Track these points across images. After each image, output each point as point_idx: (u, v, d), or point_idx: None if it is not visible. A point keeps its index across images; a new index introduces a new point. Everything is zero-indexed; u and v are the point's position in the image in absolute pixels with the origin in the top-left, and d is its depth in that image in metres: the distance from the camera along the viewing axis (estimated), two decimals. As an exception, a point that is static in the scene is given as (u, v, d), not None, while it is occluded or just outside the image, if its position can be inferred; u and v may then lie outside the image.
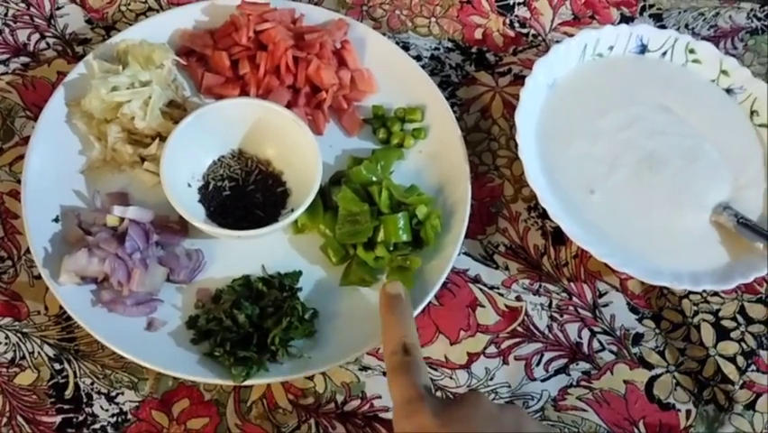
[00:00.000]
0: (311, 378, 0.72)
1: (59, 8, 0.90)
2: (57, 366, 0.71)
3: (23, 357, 0.71)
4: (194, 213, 0.73)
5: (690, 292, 0.80)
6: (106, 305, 0.70)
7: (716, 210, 0.79)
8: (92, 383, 0.71)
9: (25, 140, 0.79)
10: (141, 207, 0.74)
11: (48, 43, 0.87)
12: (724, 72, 0.87)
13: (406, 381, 0.58)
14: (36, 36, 0.88)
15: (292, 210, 0.74)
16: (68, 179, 0.77)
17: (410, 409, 0.57)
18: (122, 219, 0.73)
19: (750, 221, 0.78)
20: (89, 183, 0.77)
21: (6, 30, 0.88)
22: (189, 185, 0.76)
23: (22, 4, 0.89)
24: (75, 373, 0.71)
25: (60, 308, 0.72)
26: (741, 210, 0.79)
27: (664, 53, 0.88)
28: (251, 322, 0.70)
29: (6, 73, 0.85)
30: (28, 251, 0.73)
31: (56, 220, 0.74)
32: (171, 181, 0.72)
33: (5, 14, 0.89)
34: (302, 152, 0.76)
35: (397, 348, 0.60)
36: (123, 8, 0.90)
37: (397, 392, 0.59)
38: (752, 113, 0.86)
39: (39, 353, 0.71)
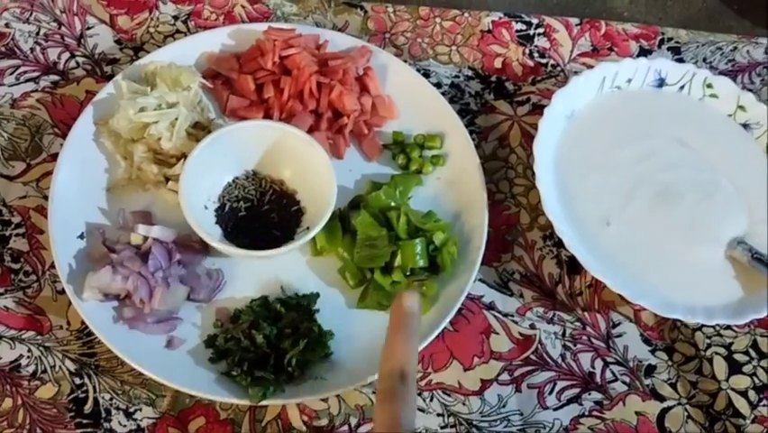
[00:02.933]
0: (325, 400, 0.73)
1: (89, 28, 0.92)
2: (77, 381, 0.72)
3: (45, 371, 0.72)
4: (211, 233, 0.74)
5: (703, 325, 0.80)
6: (128, 322, 0.72)
7: (730, 245, 0.80)
8: (111, 399, 0.72)
9: (53, 156, 0.81)
10: (164, 225, 0.76)
11: (77, 62, 0.90)
12: (741, 107, 0.88)
13: (393, 412, 0.55)
14: (66, 55, 0.90)
15: (308, 229, 0.76)
16: (94, 197, 0.79)
17: None
18: (145, 238, 0.74)
19: (764, 256, 0.79)
20: (114, 201, 0.79)
21: (38, 48, 0.90)
22: (206, 207, 0.78)
23: (54, 24, 0.92)
24: (95, 387, 0.72)
25: (82, 323, 0.73)
26: (756, 245, 0.80)
27: (682, 87, 0.89)
28: (269, 343, 0.71)
29: (36, 90, 0.87)
30: (52, 266, 0.75)
31: (81, 237, 0.76)
32: (189, 202, 0.73)
33: (37, 33, 0.91)
34: (316, 172, 0.77)
35: (394, 372, 0.57)
36: (152, 30, 0.93)
37: (380, 421, 0.56)
38: (768, 148, 0.87)
39: (60, 367, 0.73)
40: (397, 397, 0.56)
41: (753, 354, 0.80)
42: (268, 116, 0.84)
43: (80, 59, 0.90)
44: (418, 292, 0.64)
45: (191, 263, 0.76)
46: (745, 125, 0.88)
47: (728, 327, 0.81)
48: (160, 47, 0.87)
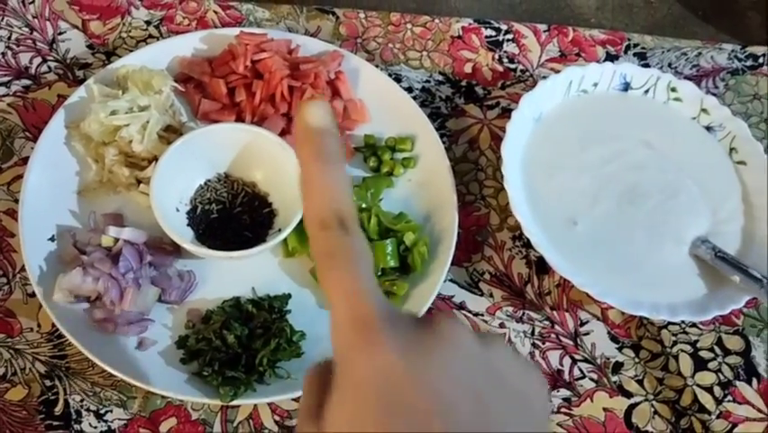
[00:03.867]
0: (297, 399, 0.74)
1: (61, 33, 0.92)
2: (48, 383, 0.72)
3: (15, 373, 0.72)
4: (183, 235, 0.75)
5: (669, 323, 0.82)
6: (98, 323, 0.72)
7: (694, 244, 0.82)
8: (81, 400, 0.72)
9: (24, 160, 0.81)
10: (136, 228, 0.76)
11: (49, 67, 0.90)
12: (704, 111, 0.90)
13: (350, 281, 0.36)
14: (38, 60, 0.90)
15: (279, 230, 0.76)
16: (65, 200, 0.79)
17: (361, 336, 0.36)
18: (116, 240, 0.74)
19: (727, 255, 0.81)
20: (85, 204, 0.79)
21: (9, 53, 0.90)
22: (177, 209, 0.78)
23: (26, 29, 0.92)
24: (65, 389, 0.72)
25: (53, 325, 0.73)
26: (719, 244, 0.82)
27: (647, 91, 0.91)
28: (240, 343, 0.71)
29: (7, 95, 0.87)
30: (23, 269, 0.75)
31: (52, 239, 0.76)
32: (161, 205, 0.74)
33: (9, 38, 0.91)
34: (287, 174, 0.78)
35: (328, 219, 0.37)
36: (124, 35, 0.93)
37: (336, 300, 0.36)
38: (731, 150, 0.89)
39: (30, 369, 0.73)
40: (344, 255, 0.37)
41: (717, 351, 0.82)
42: (240, 120, 0.85)
43: (52, 64, 0.90)
44: (323, 100, 0.45)
45: (162, 265, 0.76)
46: (709, 128, 0.91)
47: (694, 325, 0.83)
48: (132, 52, 0.88)
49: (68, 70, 0.90)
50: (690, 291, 0.80)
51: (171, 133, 0.82)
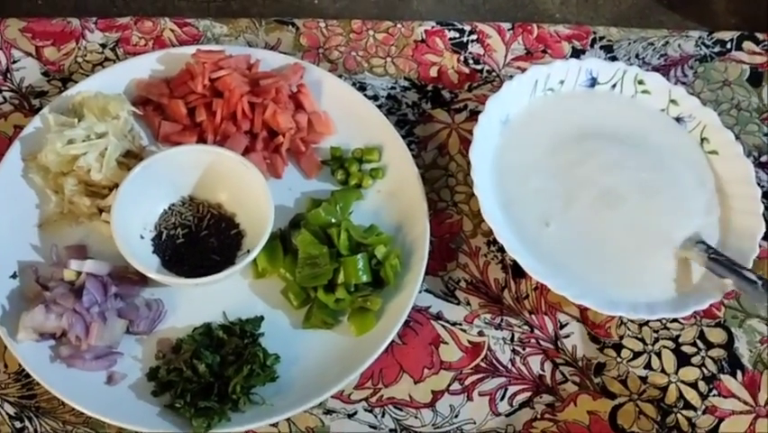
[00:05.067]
0: (275, 425, 0.72)
1: (15, 62, 0.90)
2: (18, 424, 0.70)
3: (-18, 417, 0.70)
4: (148, 264, 0.73)
5: (650, 320, 0.81)
6: (65, 360, 0.70)
7: (685, 245, 0.80)
8: (53, 440, 0.70)
9: (-18, 195, 0.79)
10: (101, 258, 0.75)
11: (4, 97, 0.88)
12: (673, 101, 0.89)
13: None
14: (-8, 90, 0.88)
15: (248, 251, 0.75)
16: (26, 234, 0.77)
17: None
18: (79, 273, 0.72)
19: (721, 256, 0.78)
20: (47, 237, 0.77)
21: (-38, 85, 0.88)
22: (142, 237, 0.77)
23: (-22, 59, 0.90)
24: (36, 430, 0.70)
25: (20, 365, 0.71)
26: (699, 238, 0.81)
27: (614, 85, 0.90)
28: (212, 371, 0.69)
29: (-37, 128, 0.85)
30: (-14, 308, 0.73)
31: (13, 276, 0.74)
32: (123, 234, 0.72)
33: (-39, 70, 0.89)
34: (253, 193, 0.76)
35: None
36: (80, 59, 0.91)
37: None
38: (702, 140, 0.88)
39: (-2, 411, 0.71)
40: None
41: (700, 344, 0.81)
42: (202, 140, 0.83)
43: (7, 94, 0.88)
44: None
45: (129, 295, 0.74)
46: (678, 119, 0.89)
47: (675, 320, 0.81)
48: (88, 76, 0.86)
49: (24, 99, 0.88)
50: (668, 289, 0.79)
51: (132, 158, 0.80)
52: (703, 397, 0.78)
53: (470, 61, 0.97)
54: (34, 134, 0.80)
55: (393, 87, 0.94)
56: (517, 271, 0.82)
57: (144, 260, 0.73)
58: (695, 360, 0.80)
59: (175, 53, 0.87)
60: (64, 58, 0.91)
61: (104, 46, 0.92)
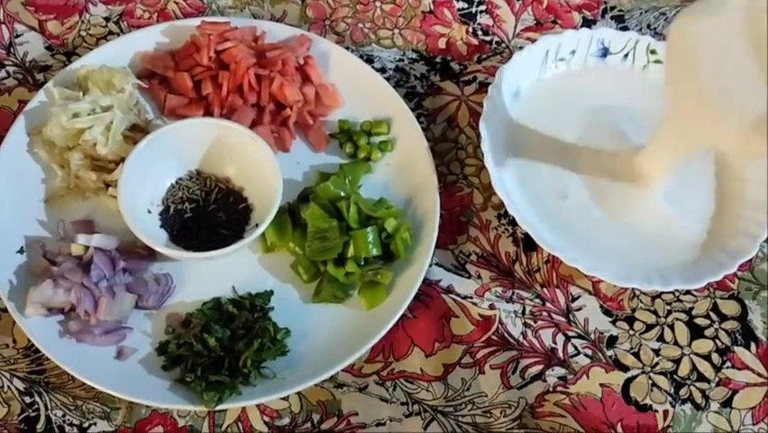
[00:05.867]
0: (286, 398, 0.72)
1: (18, 36, 0.89)
2: (27, 400, 0.70)
3: (-8, 392, 0.70)
4: (156, 238, 0.72)
5: (662, 292, 0.80)
6: (74, 335, 0.70)
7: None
8: (64, 415, 0.70)
9: (-13, 171, 0.78)
10: (108, 233, 0.74)
11: (8, 72, 0.86)
12: (686, 71, 0.88)
13: None
14: (-5, 65, 0.87)
15: (257, 225, 0.74)
16: (32, 209, 0.76)
17: None
18: (87, 247, 0.72)
19: None
20: (54, 212, 0.76)
21: (-35, 60, 0.87)
22: (149, 211, 0.76)
23: (-19, 34, 0.89)
24: (46, 405, 0.70)
25: (29, 340, 0.71)
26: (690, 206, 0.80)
27: (626, 55, 0.88)
28: (222, 345, 0.69)
29: (-34, 104, 0.84)
30: (-7, 284, 0.72)
31: (21, 251, 0.73)
32: (131, 208, 0.71)
33: (-36, 44, 0.88)
34: (260, 167, 0.75)
35: None
36: (84, 33, 0.90)
37: None
38: (716, 111, 0.87)
39: (8, 387, 0.71)
40: None
41: (713, 317, 0.80)
42: (208, 113, 0.82)
43: (11, 69, 0.87)
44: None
45: (137, 270, 0.73)
46: (691, 88, 0.88)
47: (688, 293, 0.81)
48: (92, 50, 0.84)
49: (28, 74, 0.87)
50: (681, 259, 0.78)
51: (138, 132, 0.79)
52: (717, 369, 0.77)
53: (479, 32, 0.95)
54: (39, 109, 0.79)
55: (401, 60, 0.92)
56: (529, 244, 0.81)
57: (152, 234, 0.73)
58: (708, 332, 0.79)
59: (180, 26, 0.86)
60: (68, 32, 0.90)
61: (107, 19, 0.91)
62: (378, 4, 0.95)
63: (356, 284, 0.76)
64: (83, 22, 0.90)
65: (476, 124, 0.86)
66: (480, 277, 0.80)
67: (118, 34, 0.89)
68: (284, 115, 0.83)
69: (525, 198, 0.79)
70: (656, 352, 0.78)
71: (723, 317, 0.80)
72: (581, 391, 0.75)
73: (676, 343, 0.78)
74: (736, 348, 0.78)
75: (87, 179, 0.76)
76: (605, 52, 0.88)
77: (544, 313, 0.78)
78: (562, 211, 0.79)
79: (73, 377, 0.69)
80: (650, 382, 0.76)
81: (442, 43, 0.94)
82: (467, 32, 0.95)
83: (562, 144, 0.83)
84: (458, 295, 0.79)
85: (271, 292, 0.75)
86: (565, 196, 0.80)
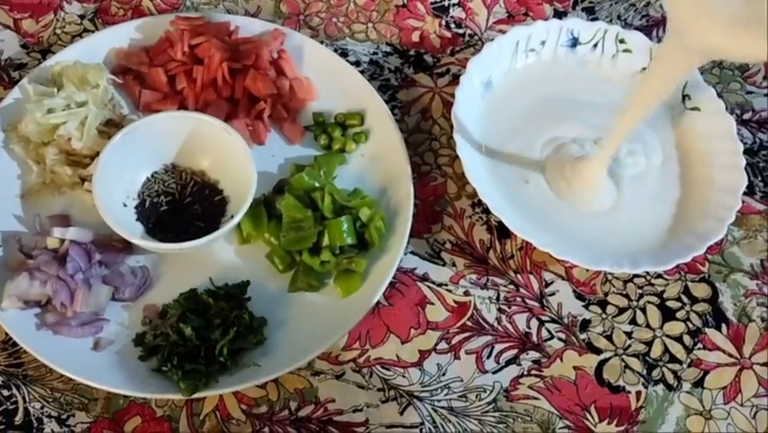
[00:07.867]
0: (263, 386, 0.73)
1: (-7, 35, 0.89)
2: (5, 393, 0.71)
3: (-30, 386, 0.70)
4: (132, 231, 0.73)
5: (634, 276, 0.81)
6: (51, 327, 0.70)
7: None
8: (42, 407, 0.70)
9: (-37, 168, 0.79)
10: (84, 227, 0.74)
11: (-17, 70, 0.87)
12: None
13: None
14: (-29, 64, 0.87)
15: (232, 217, 0.75)
16: (8, 204, 0.77)
17: None
18: (62, 241, 0.72)
19: None
20: (30, 207, 0.77)
21: (-60, 59, 0.87)
22: (125, 205, 0.76)
23: (-44, 33, 0.89)
24: (24, 398, 0.70)
25: (6, 333, 0.71)
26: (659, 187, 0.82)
27: (595, 45, 0.90)
28: (198, 335, 0.70)
29: (-58, 102, 0.84)
30: (-30, 279, 0.73)
31: (-4, 246, 0.74)
32: (106, 202, 0.72)
33: (-61, 44, 0.88)
34: (235, 159, 0.76)
35: None
36: (59, 31, 0.90)
37: None
38: (684, 97, 0.88)
39: (-14, 381, 0.71)
40: None
41: (685, 299, 0.81)
42: (183, 108, 0.83)
43: (-14, 67, 0.87)
44: None
45: (114, 263, 0.74)
46: (660, 77, 0.89)
47: (659, 276, 0.82)
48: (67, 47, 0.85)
49: (4, 72, 0.87)
50: (651, 240, 0.79)
51: (112, 127, 0.79)
52: (688, 351, 0.79)
53: (452, 25, 0.96)
54: (14, 105, 0.79)
55: (375, 53, 0.93)
56: (502, 232, 0.82)
57: (128, 227, 0.73)
58: (680, 315, 0.80)
59: (154, 22, 0.86)
60: (42, 30, 0.90)
61: (82, 17, 0.91)
62: (351, -2, 0.97)
63: (331, 273, 0.76)
64: (58, 20, 0.91)
65: (449, 115, 0.87)
66: (454, 265, 0.81)
67: (93, 32, 0.90)
68: (258, 108, 0.83)
69: (493, 185, 0.80)
70: (629, 335, 0.79)
71: (694, 300, 0.81)
72: (555, 375, 0.76)
73: (648, 325, 0.79)
74: (707, 330, 0.80)
75: (63, 174, 0.77)
76: (575, 42, 0.90)
77: (518, 299, 0.80)
78: (524, 195, 0.80)
79: (51, 369, 0.70)
80: (623, 364, 0.77)
81: (415, 36, 0.95)
82: (440, 25, 0.96)
83: (526, 129, 0.84)
84: (433, 282, 0.80)
85: (248, 282, 0.75)
86: (526, 181, 0.82)
